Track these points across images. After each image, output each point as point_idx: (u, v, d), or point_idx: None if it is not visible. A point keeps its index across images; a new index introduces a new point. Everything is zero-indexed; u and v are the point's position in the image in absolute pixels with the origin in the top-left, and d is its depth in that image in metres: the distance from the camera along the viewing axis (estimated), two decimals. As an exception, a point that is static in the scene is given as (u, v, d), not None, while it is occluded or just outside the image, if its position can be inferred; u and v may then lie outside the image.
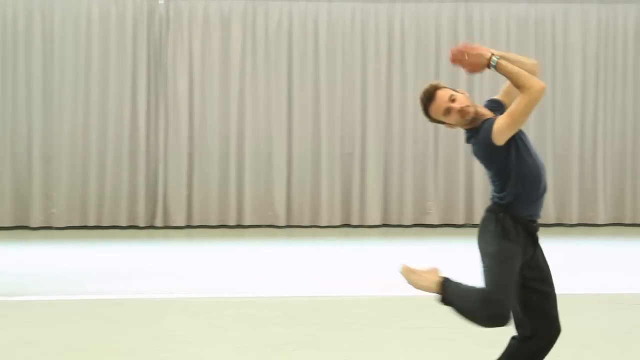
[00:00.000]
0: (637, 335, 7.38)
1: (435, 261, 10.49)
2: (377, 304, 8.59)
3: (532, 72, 5.03)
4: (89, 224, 13.27)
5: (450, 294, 5.16)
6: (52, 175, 13.28)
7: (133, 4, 13.39)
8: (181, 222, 13.39)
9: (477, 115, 5.14)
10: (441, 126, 13.79)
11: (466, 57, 5.17)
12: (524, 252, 5.12)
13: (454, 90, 5.27)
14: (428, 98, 5.22)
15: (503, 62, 5.01)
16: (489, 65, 5.04)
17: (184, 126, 13.39)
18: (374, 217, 13.56)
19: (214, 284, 9.56)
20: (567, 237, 12.99)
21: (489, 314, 4.95)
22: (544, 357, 5.28)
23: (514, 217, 5.11)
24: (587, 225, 13.83)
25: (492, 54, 5.05)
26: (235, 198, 13.45)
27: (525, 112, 4.88)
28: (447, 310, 5.20)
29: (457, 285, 5.19)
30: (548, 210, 13.69)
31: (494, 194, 5.16)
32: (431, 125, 13.54)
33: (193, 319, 7.87)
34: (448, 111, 5.16)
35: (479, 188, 13.63)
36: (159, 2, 13.48)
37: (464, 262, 10.93)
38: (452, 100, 5.18)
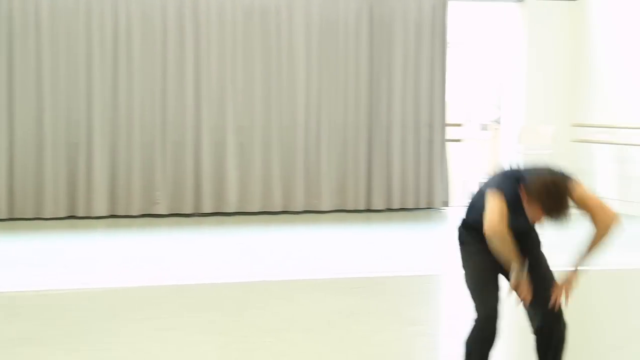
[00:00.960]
0: (358, 318, 7.60)
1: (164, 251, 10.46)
2: (103, 296, 8.49)
3: None
4: None
5: None
6: None
7: None
8: None
9: None
10: (169, 114, 13.85)
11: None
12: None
13: None
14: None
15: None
16: None
17: None
18: (101, 208, 13.33)
19: None
20: (294, 224, 13.23)
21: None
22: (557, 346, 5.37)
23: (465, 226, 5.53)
24: (311, 212, 14.14)
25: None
26: (-46, 190, 12.93)
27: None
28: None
29: None
30: (274, 198, 13.88)
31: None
32: (158, 113, 13.47)
33: None
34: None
35: (206, 177, 13.66)
36: None
37: (193, 250, 10.99)
38: None
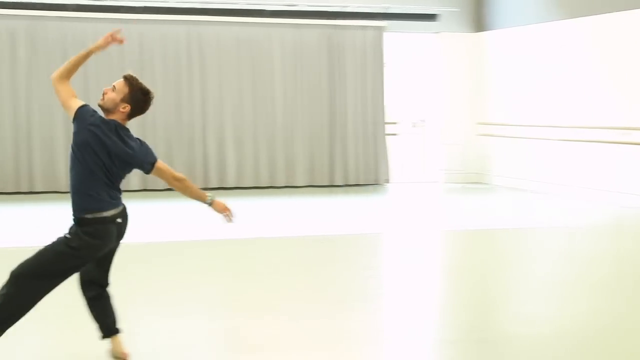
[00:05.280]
0: (326, 265, 7.59)
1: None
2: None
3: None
4: None
5: None
6: None
7: None
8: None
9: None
10: (183, 117, 13.59)
11: None
12: None
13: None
14: None
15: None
16: None
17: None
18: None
19: None
20: (277, 195, 13.16)
21: None
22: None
23: None
24: (290, 187, 13.92)
25: None
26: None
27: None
28: None
29: None
30: (262, 177, 13.88)
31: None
32: (175, 117, 13.40)
33: None
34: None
35: (212, 161, 13.65)
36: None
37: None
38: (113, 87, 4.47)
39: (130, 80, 4.46)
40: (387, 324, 5.75)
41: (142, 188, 13.20)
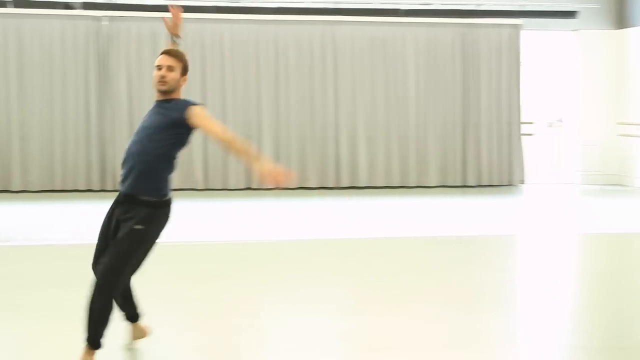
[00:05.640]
0: (459, 265, 7.58)
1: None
2: (269, 245, 8.61)
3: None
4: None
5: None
6: (27, 152, 13.03)
7: (85, 25, 13.12)
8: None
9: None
10: (315, 116, 13.65)
11: None
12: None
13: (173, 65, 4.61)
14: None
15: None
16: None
17: (125, 115, 13.16)
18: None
19: None
20: (409, 195, 13.13)
21: None
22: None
23: None
24: (422, 187, 13.92)
25: None
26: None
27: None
28: None
29: None
30: (393, 176, 13.88)
31: None
32: (308, 116, 13.57)
33: None
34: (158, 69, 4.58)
35: (344, 160, 13.76)
36: (103, 23, 13.22)
37: (333, 212, 11.00)
38: (169, 68, 4.59)
39: (178, 54, 4.63)
40: (520, 326, 5.67)
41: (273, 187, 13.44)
